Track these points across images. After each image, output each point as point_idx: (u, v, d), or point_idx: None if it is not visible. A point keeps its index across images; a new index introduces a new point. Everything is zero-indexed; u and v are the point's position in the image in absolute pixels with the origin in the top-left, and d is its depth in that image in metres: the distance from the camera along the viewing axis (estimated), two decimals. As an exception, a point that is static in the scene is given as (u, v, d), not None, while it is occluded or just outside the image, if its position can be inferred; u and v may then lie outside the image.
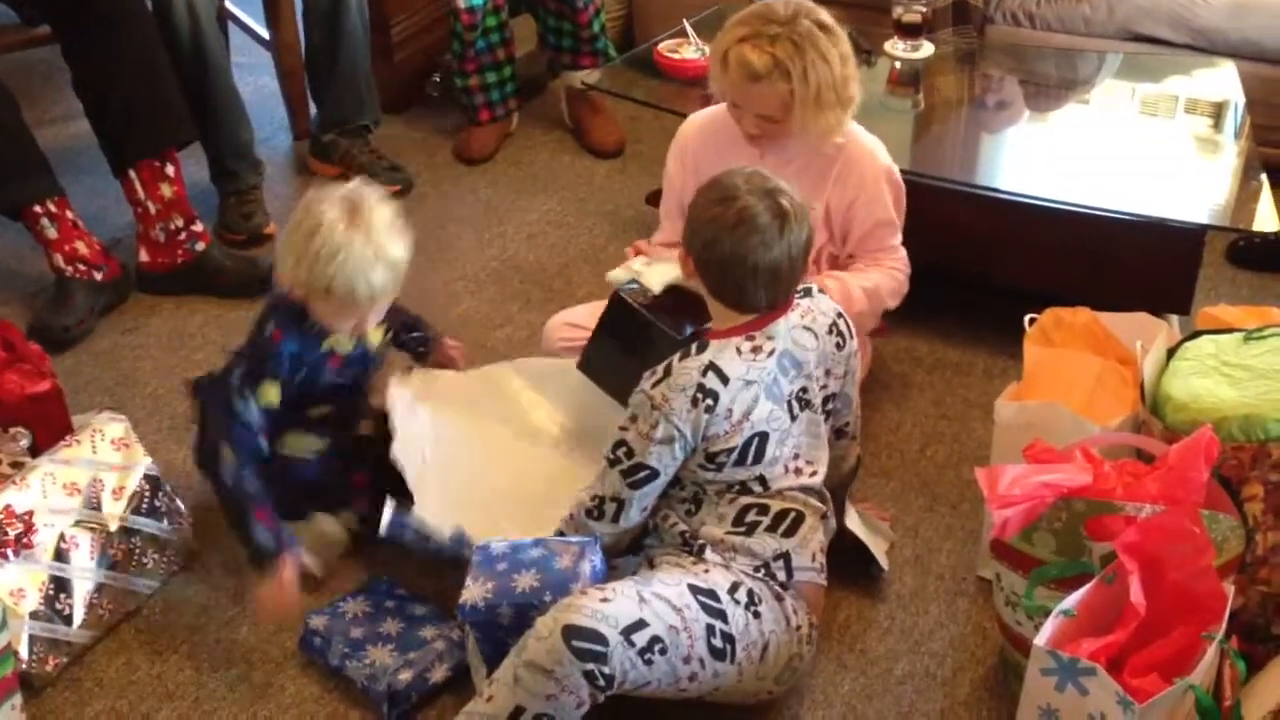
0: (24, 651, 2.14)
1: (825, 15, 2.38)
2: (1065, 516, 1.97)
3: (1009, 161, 3.12)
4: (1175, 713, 1.80)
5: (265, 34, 3.78)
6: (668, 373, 2.03)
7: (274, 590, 2.17)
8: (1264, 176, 2.78)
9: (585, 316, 2.56)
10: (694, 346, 2.05)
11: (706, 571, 2.04)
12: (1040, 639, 1.84)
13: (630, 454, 2.05)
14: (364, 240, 2.15)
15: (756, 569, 2.07)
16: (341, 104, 3.57)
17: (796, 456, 2.13)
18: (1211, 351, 2.22)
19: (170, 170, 3.08)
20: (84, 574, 2.25)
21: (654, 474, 2.06)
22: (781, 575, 2.08)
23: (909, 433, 2.76)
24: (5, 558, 2.16)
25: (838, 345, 2.18)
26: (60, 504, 2.25)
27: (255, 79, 3.97)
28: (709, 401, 2.01)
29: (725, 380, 2.02)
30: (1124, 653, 1.84)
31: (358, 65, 3.54)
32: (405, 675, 2.15)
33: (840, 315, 2.20)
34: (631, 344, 2.36)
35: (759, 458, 2.08)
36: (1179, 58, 3.42)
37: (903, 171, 2.57)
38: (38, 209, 3.00)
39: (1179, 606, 1.87)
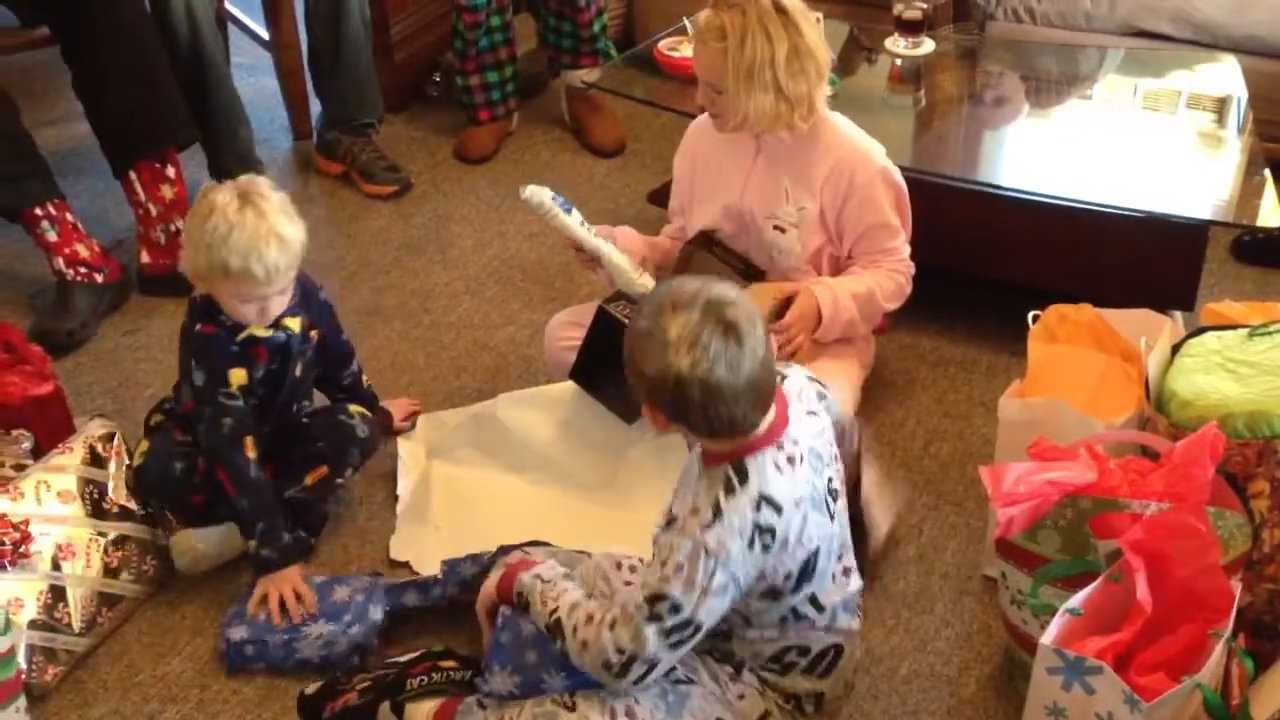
0: (22, 661, 2.12)
1: (794, 2, 2.38)
2: (1070, 514, 1.97)
3: (1011, 158, 3.11)
4: (1182, 711, 1.79)
5: (265, 34, 3.77)
6: (717, 514, 1.80)
7: (289, 579, 2.30)
8: (1267, 172, 2.77)
9: (587, 316, 2.56)
10: (734, 477, 1.82)
11: (741, 697, 1.98)
12: (1046, 637, 1.83)
13: (676, 609, 1.80)
14: (256, 218, 2.22)
15: (787, 699, 2.01)
16: (344, 101, 3.57)
17: (840, 558, 2.00)
18: (1216, 348, 2.21)
19: (171, 171, 3.08)
20: (81, 582, 2.24)
21: (698, 630, 1.84)
22: (810, 708, 2.03)
23: (912, 430, 2.75)
24: (2, 568, 2.15)
25: (820, 396, 2.05)
26: (55, 512, 2.24)
27: (255, 79, 3.97)
28: (767, 539, 1.82)
29: (779, 510, 1.83)
30: (1130, 651, 1.84)
31: (360, 62, 3.54)
32: (356, 629, 2.24)
33: (810, 377, 2.06)
34: (619, 357, 2.37)
35: (809, 574, 1.91)
36: (1181, 53, 3.41)
37: (904, 169, 2.55)
38: (38, 212, 2.99)
39: (1185, 604, 1.86)
